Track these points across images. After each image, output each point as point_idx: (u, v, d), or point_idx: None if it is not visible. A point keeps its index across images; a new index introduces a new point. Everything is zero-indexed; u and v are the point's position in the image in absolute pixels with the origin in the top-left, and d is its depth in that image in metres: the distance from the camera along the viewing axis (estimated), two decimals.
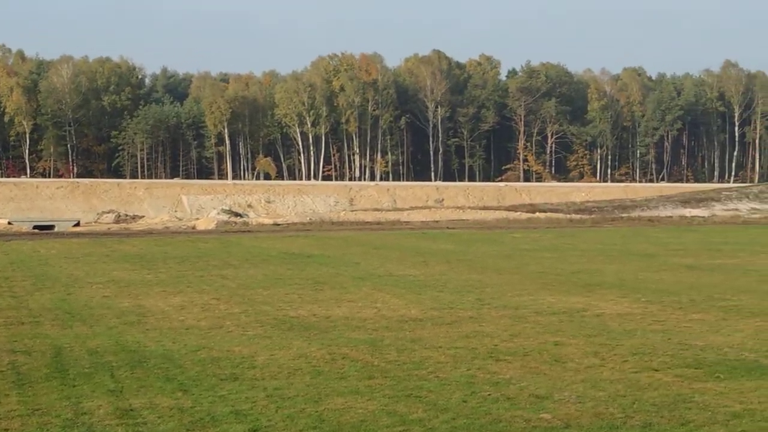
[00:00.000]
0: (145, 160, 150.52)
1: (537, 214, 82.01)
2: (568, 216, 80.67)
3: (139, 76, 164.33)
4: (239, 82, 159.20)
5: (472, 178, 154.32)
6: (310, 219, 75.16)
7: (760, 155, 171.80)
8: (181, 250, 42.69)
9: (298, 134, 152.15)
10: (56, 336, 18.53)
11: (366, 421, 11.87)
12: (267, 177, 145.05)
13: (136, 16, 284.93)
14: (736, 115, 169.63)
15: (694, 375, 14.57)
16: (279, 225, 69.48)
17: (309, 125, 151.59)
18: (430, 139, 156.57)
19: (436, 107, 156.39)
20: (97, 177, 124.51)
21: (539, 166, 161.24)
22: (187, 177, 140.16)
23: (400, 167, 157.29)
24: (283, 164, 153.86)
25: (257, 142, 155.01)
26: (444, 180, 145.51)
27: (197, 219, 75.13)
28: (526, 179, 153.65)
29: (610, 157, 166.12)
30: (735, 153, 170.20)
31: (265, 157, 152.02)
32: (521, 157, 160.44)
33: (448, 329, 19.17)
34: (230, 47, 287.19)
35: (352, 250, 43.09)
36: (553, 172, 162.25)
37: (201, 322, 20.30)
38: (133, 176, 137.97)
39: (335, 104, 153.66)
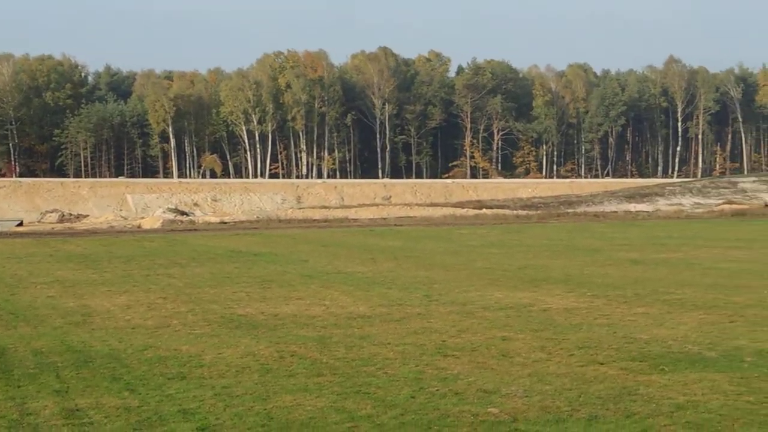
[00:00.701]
0: (88, 159, 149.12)
1: (484, 210, 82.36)
2: (515, 212, 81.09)
3: (82, 74, 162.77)
4: (183, 80, 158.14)
5: (419, 175, 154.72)
6: (257, 217, 74.95)
7: (702, 150, 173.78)
8: (126, 250, 42.38)
9: (245, 132, 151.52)
10: (0, 337, 18.33)
11: (315, 418, 11.87)
12: (213, 175, 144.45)
13: (78, 13, 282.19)
14: (679, 110, 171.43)
15: (639, 368, 14.71)
16: (226, 223, 69.20)
17: (255, 123, 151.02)
18: (378, 136, 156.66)
19: (384, 104, 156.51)
20: (40, 176, 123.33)
21: (486, 162, 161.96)
22: (132, 176, 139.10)
23: (348, 164, 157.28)
24: (230, 162, 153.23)
25: (203, 140, 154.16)
26: (391, 177, 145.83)
27: (142, 218, 74.63)
28: (473, 176, 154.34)
29: (555, 153, 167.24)
30: (678, 148, 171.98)
31: (212, 155, 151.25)
32: (468, 153, 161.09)
33: (396, 326, 19.21)
34: (174, 44, 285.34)
35: (299, 247, 43.03)
36: (499, 168, 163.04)
37: (147, 321, 20.18)
38: (77, 175, 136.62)
39: (281, 101, 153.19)
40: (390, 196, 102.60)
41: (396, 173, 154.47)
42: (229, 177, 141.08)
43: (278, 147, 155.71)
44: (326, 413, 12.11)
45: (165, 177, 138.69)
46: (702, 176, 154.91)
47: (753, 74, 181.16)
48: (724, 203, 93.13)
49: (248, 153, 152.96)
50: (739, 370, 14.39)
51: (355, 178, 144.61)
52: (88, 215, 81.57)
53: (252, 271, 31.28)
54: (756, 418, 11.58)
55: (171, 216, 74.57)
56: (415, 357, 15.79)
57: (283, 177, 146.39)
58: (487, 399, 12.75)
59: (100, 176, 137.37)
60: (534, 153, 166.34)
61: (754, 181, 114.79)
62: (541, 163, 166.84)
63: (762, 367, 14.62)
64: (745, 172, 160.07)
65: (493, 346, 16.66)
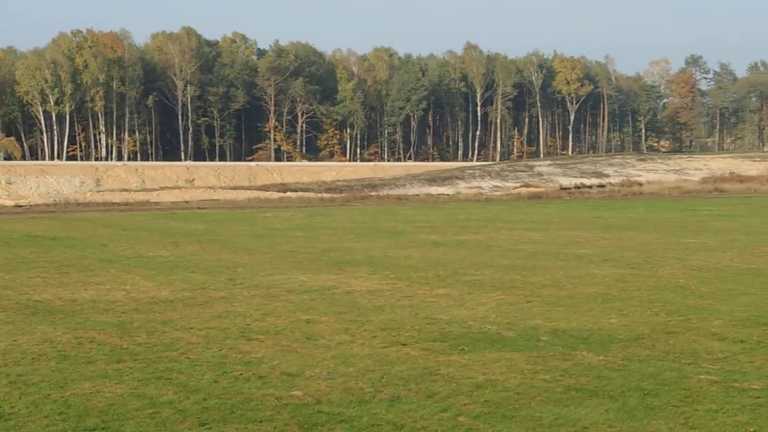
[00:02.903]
0: None
1: (288, 193, 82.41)
2: (319, 195, 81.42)
3: None
4: None
5: (222, 158, 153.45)
6: (54, 200, 72.93)
7: (501, 134, 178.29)
8: None
9: (41, 113, 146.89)
10: None
11: (114, 405, 11.61)
12: (8, 158, 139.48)
13: None
14: (478, 95, 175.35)
15: (440, 348, 14.96)
16: (21, 207, 67.09)
17: (52, 103, 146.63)
18: (180, 118, 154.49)
19: (186, 86, 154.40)
20: None
21: (290, 145, 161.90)
22: None
23: (149, 147, 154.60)
24: (25, 144, 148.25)
25: None
26: (194, 159, 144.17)
27: None
28: (278, 159, 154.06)
29: (359, 136, 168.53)
30: (477, 132, 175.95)
31: (7, 136, 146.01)
32: (272, 136, 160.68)
33: (199, 310, 19.00)
34: None
35: (99, 231, 42.07)
36: (303, 151, 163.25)
37: None
38: None
39: (79, 82, 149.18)
40: (193, 179, 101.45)
41: (199, 156, 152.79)
42: (25, 159, 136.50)
43: (76, 128, 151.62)
44: (126, 400, 11.88)
45: None
46: (500, 160, 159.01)
47: (548, 60, 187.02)
48: (521, 186, 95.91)
49: (45, 134, 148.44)
50: (536, 349, 14.81)
51: (156, 160, 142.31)
52: None
53: (49, 256, 30.41)
54: (551, 396, 11.93)
55: None
56: (219, 341, 15.66)
57: (82, 159, 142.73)
58: (291, 382, 12.75)
59: None
60: (338, 136, 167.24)
61: (549, 165, 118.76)
62: (345, 146, 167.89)
63: (557, 345, 15.09)
64: (542, 156, 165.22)
65: (297, 329, 16.67)
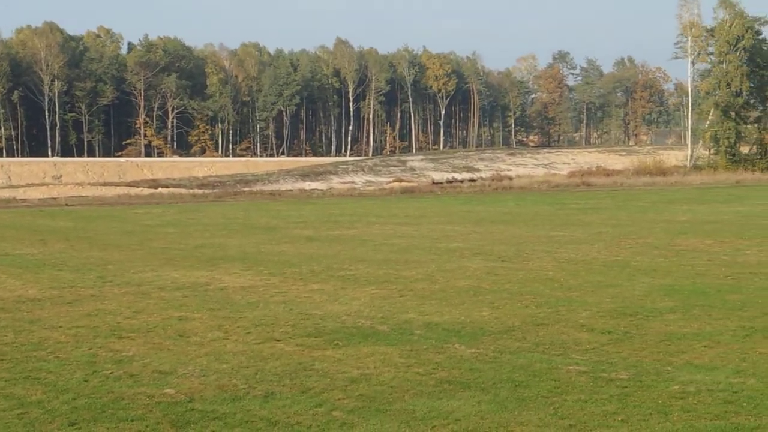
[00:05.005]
0: None
1: (159, 189, 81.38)
2: (191, 191, 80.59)
3: None
4: None
5: (91, 154, 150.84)
6: None
7: (373, 130, 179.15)
8: None
9: None
10: None
11: None
12: None
13: None
14: (351, 90, 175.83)
15: (314, 343, 14.96)
16: None
17: None
18: (47, 113, 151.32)
19: (52, 81, 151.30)
20: None
21: (160, 141, 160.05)
22: None
23: (14, 142, 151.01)
24: None
25: None
26: (62, 156, 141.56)
27: None
28: (148, 154, 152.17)
29: (231, 131, 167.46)
30: (350, 128, 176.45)
31: None
32: (142, 132, 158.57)
33: (68, 308, 18.64)
34: None
35: None
36: (174, 147, 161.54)
37: None
38: None
39: None
40: (60, 176, 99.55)
41: (67, 152, 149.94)
42: None
43: None
44: None
45: None
46: (373, 155, 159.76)
47: (418, 56, 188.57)
48: (394, 181, 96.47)
49: None
50: (409, 343, 14.91)
51: (22, 156, 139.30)
52: None
53: None
54: (425, 389, 12.04)
55: None
56: (89, 340, 15.39)
57: None
58: (163, 380, 12.61)
59: None
60: (209, 131, 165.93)
61: (422, 160, 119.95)
62: (217, 141, 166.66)
63: (430, 339, 15.22)
64: (414, 151, 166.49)
65: (169, 327, 16.48)
